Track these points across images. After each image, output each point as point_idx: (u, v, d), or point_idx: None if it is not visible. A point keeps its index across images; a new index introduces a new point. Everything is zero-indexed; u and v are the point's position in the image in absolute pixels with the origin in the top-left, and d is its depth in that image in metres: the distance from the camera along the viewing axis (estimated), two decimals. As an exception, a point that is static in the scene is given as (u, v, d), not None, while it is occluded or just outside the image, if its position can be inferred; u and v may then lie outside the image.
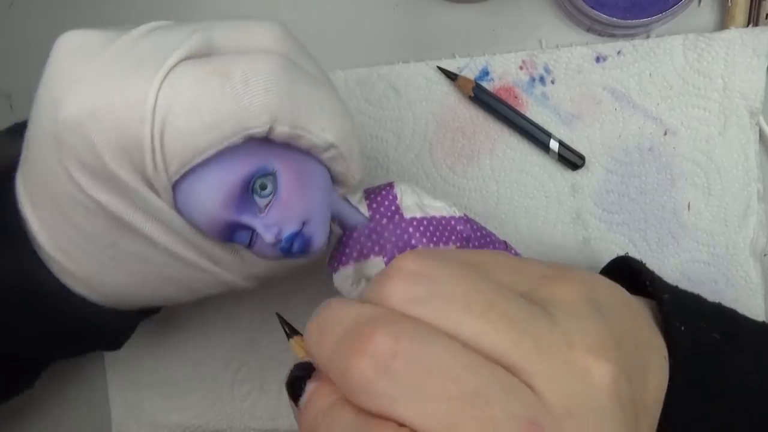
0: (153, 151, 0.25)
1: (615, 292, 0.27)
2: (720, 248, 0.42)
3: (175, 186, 0.27)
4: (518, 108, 0.43)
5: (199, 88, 0.25)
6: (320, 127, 0.28)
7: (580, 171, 0.43)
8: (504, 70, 0.43)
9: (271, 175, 0.27)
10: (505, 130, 0.43)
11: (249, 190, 0.27)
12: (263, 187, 0.27)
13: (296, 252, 0.29)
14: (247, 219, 0.28)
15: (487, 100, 0.42)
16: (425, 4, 0.44)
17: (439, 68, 0.43)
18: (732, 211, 0.42)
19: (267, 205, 0.28)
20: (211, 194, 0.27)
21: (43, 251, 0.30)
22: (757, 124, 0.42)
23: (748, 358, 0.30)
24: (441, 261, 0.22)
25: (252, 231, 0.28)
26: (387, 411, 0.19)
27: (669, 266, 0.42)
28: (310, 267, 0.45)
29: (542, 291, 0.23)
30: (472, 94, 0.42)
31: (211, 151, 0.26)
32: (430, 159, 0.44)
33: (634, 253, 0.43)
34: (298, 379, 0.22)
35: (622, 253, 0.43)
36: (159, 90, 0.25)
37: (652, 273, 0.33)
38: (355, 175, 0.31)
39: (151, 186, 0.27)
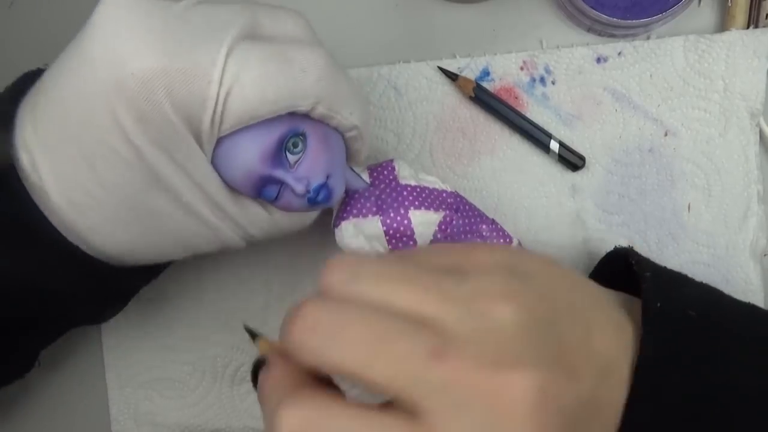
0: (214, 110, 0.29)
1: (547, 267, 0.30)
2: (720, 249, 0.42)
3: (218, 142, 0.31)
4: (519, 108, 0.43)
5: (265, 66, 0.29)
6: (349, 112, 0.33)
7: (580, 172, 0.43)
8: (504, 71, 0.43)
9: (302, 135, 0.32)
10: (505, 130, 0.43)
11: (282, 149, 0.32)
12: (295, 145, 0.32)
13: (321, 201, 0.34)
14: (279, 173, 0.32)
15: (488, 101, 0.42)
16: (425, 3, 0.44)
17: (440, 68, 0.43)
18: (732, 213, 0.42)
19: (297, 161, 0.32)
20: (252, 150, 0.31)
21: (49, 200, 0.31)
22: (758, 125, 0.42)
23: (726, 336, 0.31)
24: (365, 257, 0.27)
25: (279, 186, 0.33)
26: (317, 360, 0.24)
27: (669, 267, 0.42)
28: (307, 263, 0.45)
29: (464, 262, 0.28)
30: (473, 95, 0.42)
31: (263, 118, 0.30)
32: (431, 159, 0.44)
33: (634, 254, 0.43)
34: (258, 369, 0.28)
35: (622, 253, 0.43)
36: (227, 59, 0.29)
37: (638, 255, 0.34)
38: (365, 152, 0.37)
39: (198, 139, 0.30)
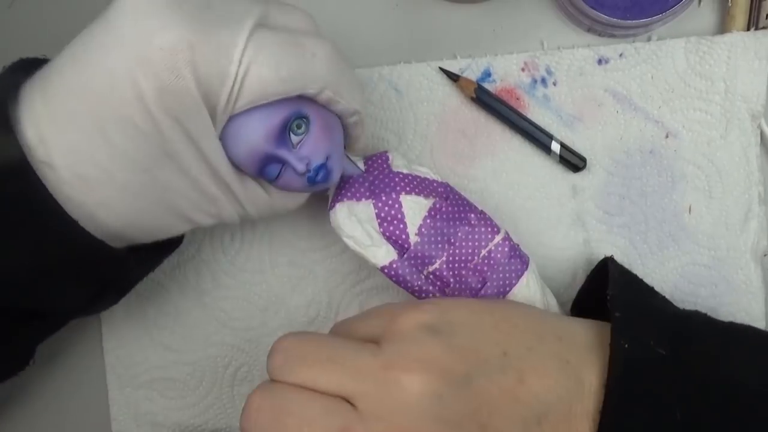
0: (232, 88, 0.31)
1: (479, 316, 0.33)
2: (721, 251, 0.42)
3: (228, 121, 0.33)
4: (520, 109, 0.43)
5: (280, 49, 0.32)
6: (351, 97, 0.35)
7: (581, 173, 0.43)
8: (506, 72, 0.43)
9: (305, 118, 0.34)
10: (506, 131, 0.43)
11: (286, 130, 0.34)
12: (299, 127, 0.34)
13: (319, 181, 0.35)
14: (282, 153, 0.34)
15: (489, 102, 0.42)
16: (425, 3, 0.44)
17: (441, 69, 0.43)
18: (733, 214, 0.42)
19: (299, 142, 0.34)
20: (258, 129, 0.33)
21: (55, 175, 0.31)
22: (759, 127, 0.42)
23: (695, 374, 0.32)
24: (302, 336, 0.33)
25: (281, 166, 0.34)
26: None
27: (669, 269, 0.42)
28: (307, 264, 0.44)
29: (389, 328, 0.32)
30: (474, 95, 0.42)
31: (275, 98, 0.32)
32: (432, 160, 0.44)
33: (635, 256, 0.43)
34: None
35: (622, 255, 0.43)
36: (247, 41, 0.31)
37: (616, 285, 0.35)
38: (363, 140, 0.39)
39: (212, 116, 0.32)
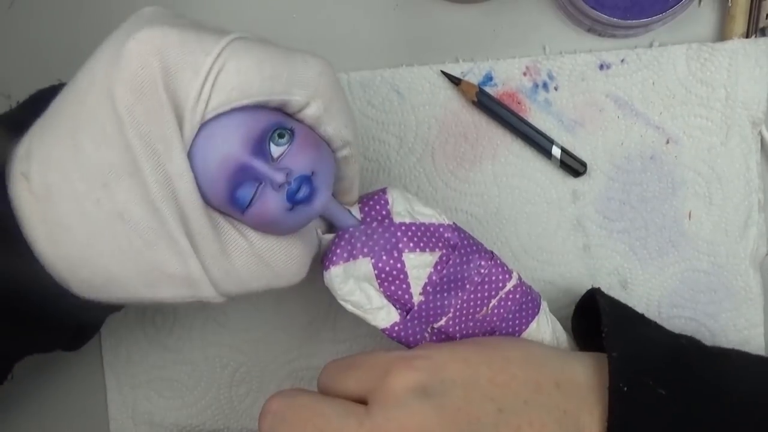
0: (205, 80, 0.28)
1: (475, 370, 0.31)
2: (720, 258, 0.42)
3: (201, 128, 0.29)
4: (521, 114, 0.43)
5: (265, 49, 0.29)
6: (344, 124, 0.31)
7: (581, 178, 0.43)
8: (507, 76, 0.43)
9: (289, 130, 0.30)
10: (507, 135, 0.43)
11: (267, 139, 0.29)
12: (281, 136, 0.30)
13: (301, 199, 0.30)
14: (258, 164, 0.29)
15: (491, 106, 0.42)
16: (424, 3, 0.44)
17: (443, 72, 0.43)
18: (733, 221, 0.42)
19: (280, 155, 0.30)
20: (235, 133, 0.29)
21: (30, 185, 0.29)
22: (759, 134, 0.42)
23: (698, 409, 0.32)
24: (290, 399, 0.31)
25: (256, 187, 0.30)
26: None
27: (668, 274, 0.43)
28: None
29: (381, 386, 0.30)
30: (476, 99, 0.42)
31: (255, 99, 0.29)
32: (432, 163, 0.44)
33: (634, 261, 0.43)
34: None
35: (622, 260, 0.43)
36: (231, 41, 0.29)
37: (610, 320, 0.34)
38: (356, 190, 0.35)
39: (180, 122, 0.28)
